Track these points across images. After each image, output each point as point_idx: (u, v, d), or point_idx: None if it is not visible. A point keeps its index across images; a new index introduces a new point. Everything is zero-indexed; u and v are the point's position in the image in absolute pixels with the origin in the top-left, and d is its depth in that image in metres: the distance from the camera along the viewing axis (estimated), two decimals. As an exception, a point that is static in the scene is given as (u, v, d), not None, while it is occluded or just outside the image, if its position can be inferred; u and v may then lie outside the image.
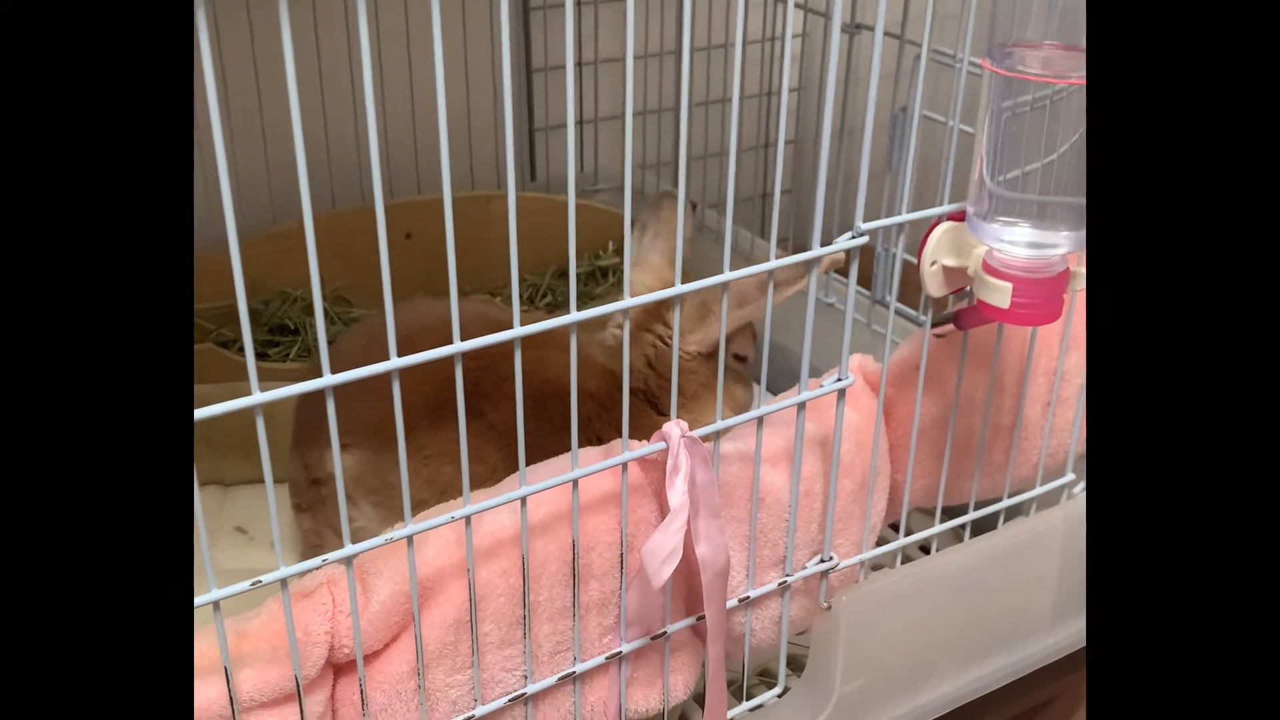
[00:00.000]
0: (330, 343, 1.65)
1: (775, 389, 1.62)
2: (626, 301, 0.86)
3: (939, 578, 1.15)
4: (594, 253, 1.90)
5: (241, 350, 1.66)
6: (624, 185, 0.83)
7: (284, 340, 1.71)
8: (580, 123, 1.94)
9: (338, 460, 0.79)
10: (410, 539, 0.84)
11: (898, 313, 1.52)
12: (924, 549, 1.20)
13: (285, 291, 1.72)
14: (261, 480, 0.77)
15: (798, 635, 1.14)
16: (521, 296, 1.85)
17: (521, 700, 0.95)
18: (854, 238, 0.94)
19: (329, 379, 0.75)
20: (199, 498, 1.48)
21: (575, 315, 0.84)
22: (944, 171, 1.06)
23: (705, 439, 0.93)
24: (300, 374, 1.57)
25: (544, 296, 1.85)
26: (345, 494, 0.80)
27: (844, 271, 1.68)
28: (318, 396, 0.75)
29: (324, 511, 1.24)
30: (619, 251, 1.90)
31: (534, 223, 1.97)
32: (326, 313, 1.74)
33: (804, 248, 0.95)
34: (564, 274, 1.89)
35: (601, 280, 1.88)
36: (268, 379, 1.56)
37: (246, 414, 0.74)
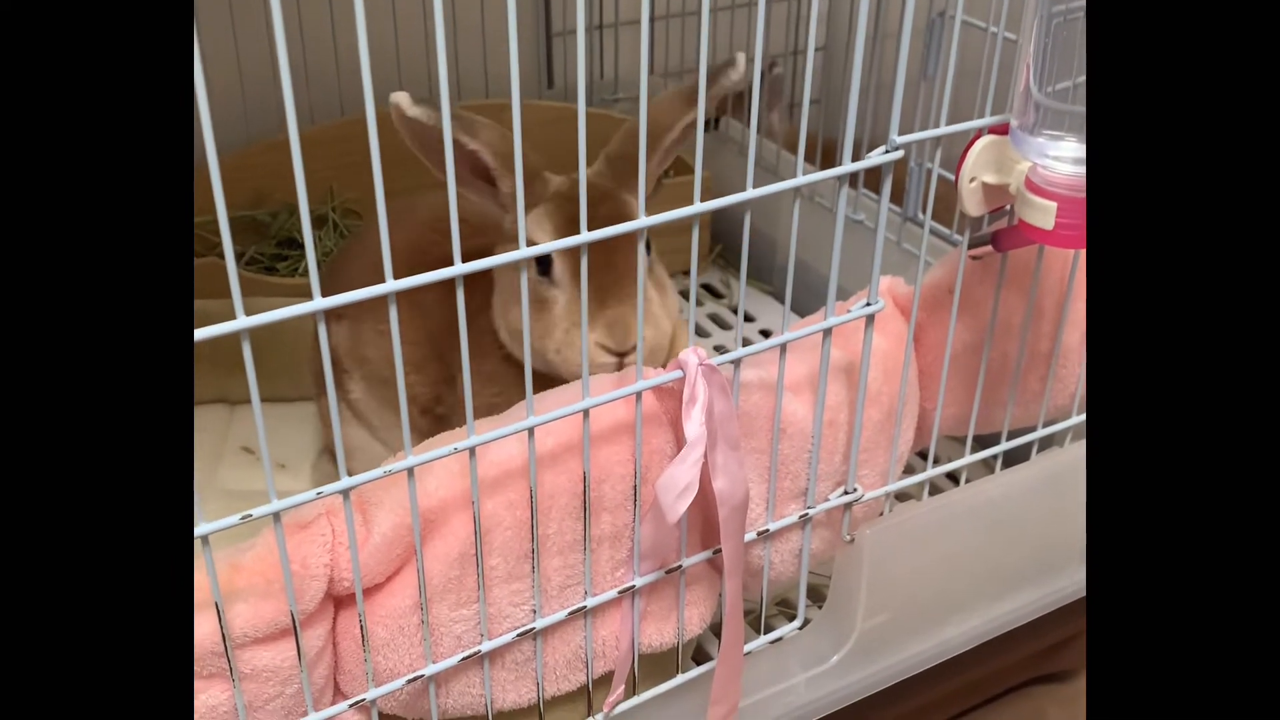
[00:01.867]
0: (330, 256, 1.60)
1: (801, 310, 1.56)
2: (643, 220, 0.80)
3: (968, 510, 1.10)
4: (614, 165, 1.83)
5: (248, 264, 1.62)
6: (640, 95, 0.77)
7: (292, 254, 1.65)
8: (600, 27, 1.85)
9: (332, 397, 0.74)
10: (411, 471, 0.79)
11: (931, 231, 1.46)
12: (953, 479, 1.15)
13: (293, 203, 1.66)
14: (271, 399, 0.73)
15: (818, 566, 1.10)
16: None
17: (529, 635, 0.91)
18: (888, 152, 0.87)
19: (319, 302, 0.70)
20: (203, 416, 1.45)
21: (586, 235, 0.78)
22: (986, 81, 0.99)
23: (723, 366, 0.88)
24: (307, 288, 1.52)
25: (561, 210, 1.78)
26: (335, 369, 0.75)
27: (874, 187, 1.61)
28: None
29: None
30: (639, 164, 1.83)
31: (550, 132, 1.89)
32: (335, 225, 1.69)
33: (834, 161, 0.88)
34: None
35: (621, 194, 1.81)
36: (274, 294, 1.53)
37: (254, 330, 0.69)
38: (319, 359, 0.73)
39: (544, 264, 1.02)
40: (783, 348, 0.92)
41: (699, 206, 0.82)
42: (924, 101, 1.40)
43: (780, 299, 1.71)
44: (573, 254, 0.99)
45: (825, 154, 1.65)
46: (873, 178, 1.54)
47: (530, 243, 0.91)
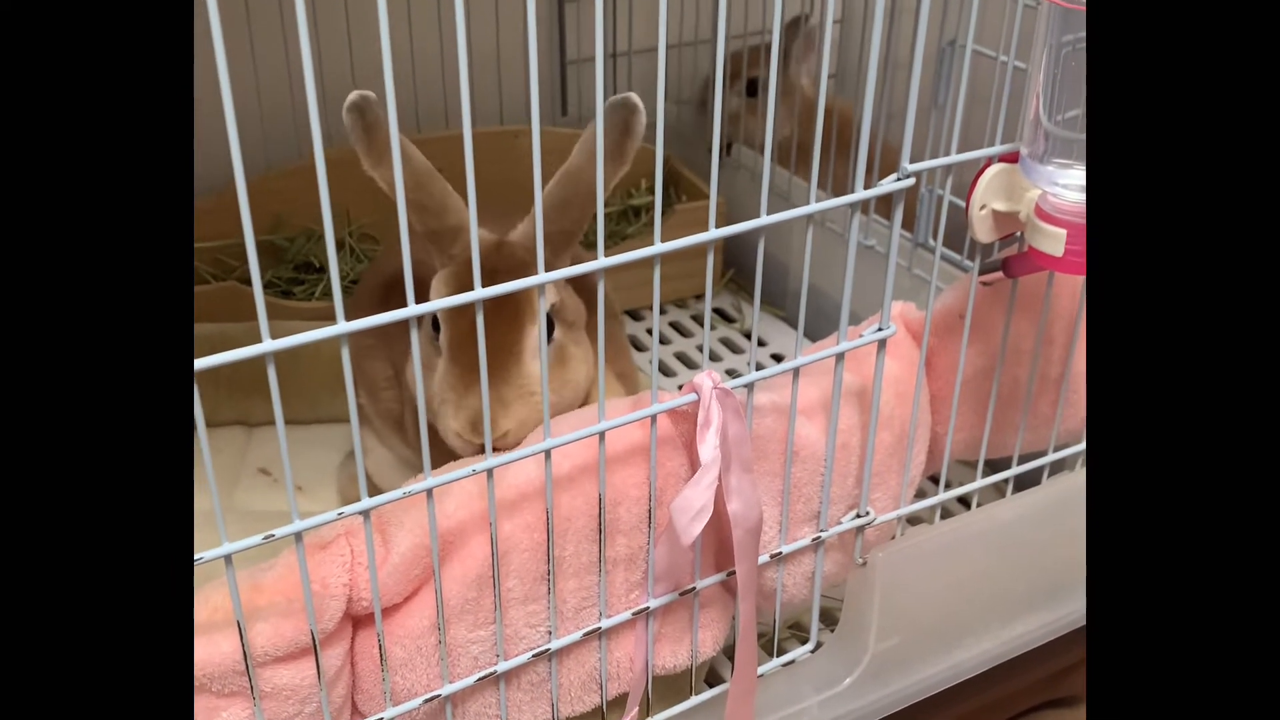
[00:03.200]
0: (354, 283, 1.62)
1: (813, 334, 1.57)
2: (658, 247, 0.82)
3: (980, 534, 1.11)
4: (626, 191, 1.85)
5: (266, 288, 1.64)
6: (657, 122, 0.78)
7: (309, 278, 1.67)
8: (614, 55, 1.87)
9: (353, 409, 0.76)
10: (430, 492, 0.80)
11: (942, 257, 1.47)
12: (964, 503, 1.16)
13: (310, 228, 1.68)
14: (288, 421, 0.74)
15: (831, 589, 1.11)
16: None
17: (545, 656, 0.92)
18: (899, 179, 0.89)
19: (343, 326, 0.71)
20: (222, 438, 1.46)
21: (604, 261, 0.80)
22: (996, 110, 1.00)
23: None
24: (324, 313, 1.54)
25: (574, 235, 1.80)
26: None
27: (886, 213, 1.62)
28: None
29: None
30: (652, 190, 1.85)
31: (564, 159, 1.92)
32: (352, 250, 1.70)
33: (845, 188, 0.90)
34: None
35: (633, 220, 1.83)
36: (293, 318, 1.55)
37: (275, 354, 0.70)
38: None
39: (436, 324, 1.00)
40: (796, 372, 0.93)
41: (714, 233, 0.83)
42: (935, 129, 1.42)
43: (792, 323, 1.72)
44: (459, 322, 0.97)
45: (841, 135, 1.65)
46: (884, 203, 1.55)
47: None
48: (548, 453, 0.84)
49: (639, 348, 1.67)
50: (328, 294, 1.62)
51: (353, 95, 0.96)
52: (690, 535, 0.86)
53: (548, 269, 0.77)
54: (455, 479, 0.81)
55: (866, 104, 0.86)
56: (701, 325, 1.74)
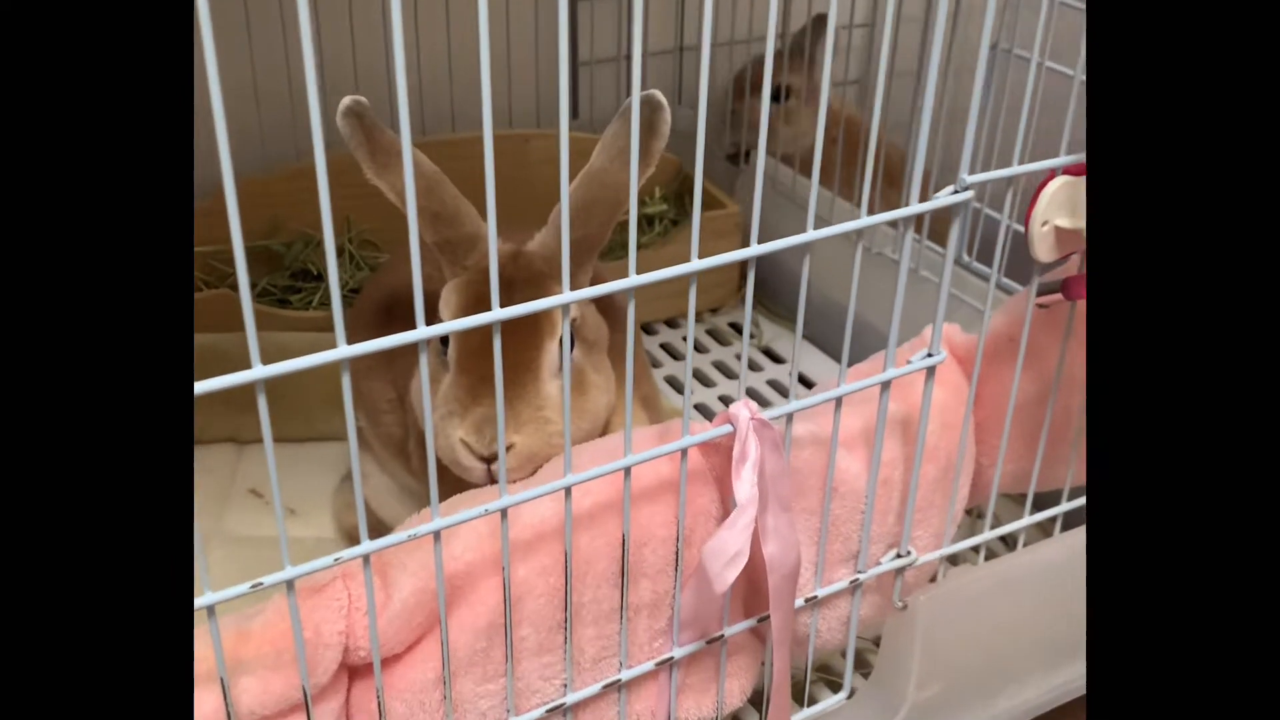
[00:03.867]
0: (354, 292, 1.54)
1: (838, 354, 1.48)
2: (695, 264, 0.74)
3: (1026, 576, 1.03)
4: (639, 199, 1.77)
5: (261, 295, 1.56)
6: (696, 142, 0.70)
7: (306, 286, 1.59)
8: (627, 57, 1.79)
9: (353, 435, 0.68)
10: (437, 534, 0.72)
11: (979, 276, 1.39)
12: (1006, 541, 1.08)
13: (308, 233, 1.59)
14: (281, 439, 0.66)
15: (863, 632, 1.03)
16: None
17: (560, 711, 0.84)
18: (958, 191, 0.81)
19: (343, 351, 0.63)
20: (211, 456, 1.38)
21: (635, 279, 0.72)
22: (1061, 121, 0.92)
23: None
24: (322, 323, 1.46)
25: (586, 245, 1.72)
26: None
27: (919, 227, 1.54)
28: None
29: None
30: (666, 198, 1.77)
31: (576, 165, 1.83)
32: (352, 257, 1.62)
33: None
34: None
35: (646, 230, 1.75)
36: (289, 328, 1.46)
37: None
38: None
39: (445, 337, 0.91)
40: (838, 401, 0.85)
41: (753, 250, 0.75)
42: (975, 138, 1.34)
43: (816, 342, 1.64)
44: (471, 336, 0.88)
45: (848, 143, 1.58)
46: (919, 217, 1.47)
47: (439, 318, 0.87)
48: (568, 490, 0.75)
49: (653, 364, 1.59)
50: (326, 303, 1.55)
51: (346, 100, 0.88)
52: (724, 582, 0.78)
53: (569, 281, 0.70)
54: (464, 520, 0.73)
55: (926, 108, 0.78)
56: (719, 341, 1.66)
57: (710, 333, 1.68)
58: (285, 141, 1.57)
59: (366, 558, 0.70)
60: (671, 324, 1.69)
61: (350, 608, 0.77)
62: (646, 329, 1.67)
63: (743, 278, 1.75)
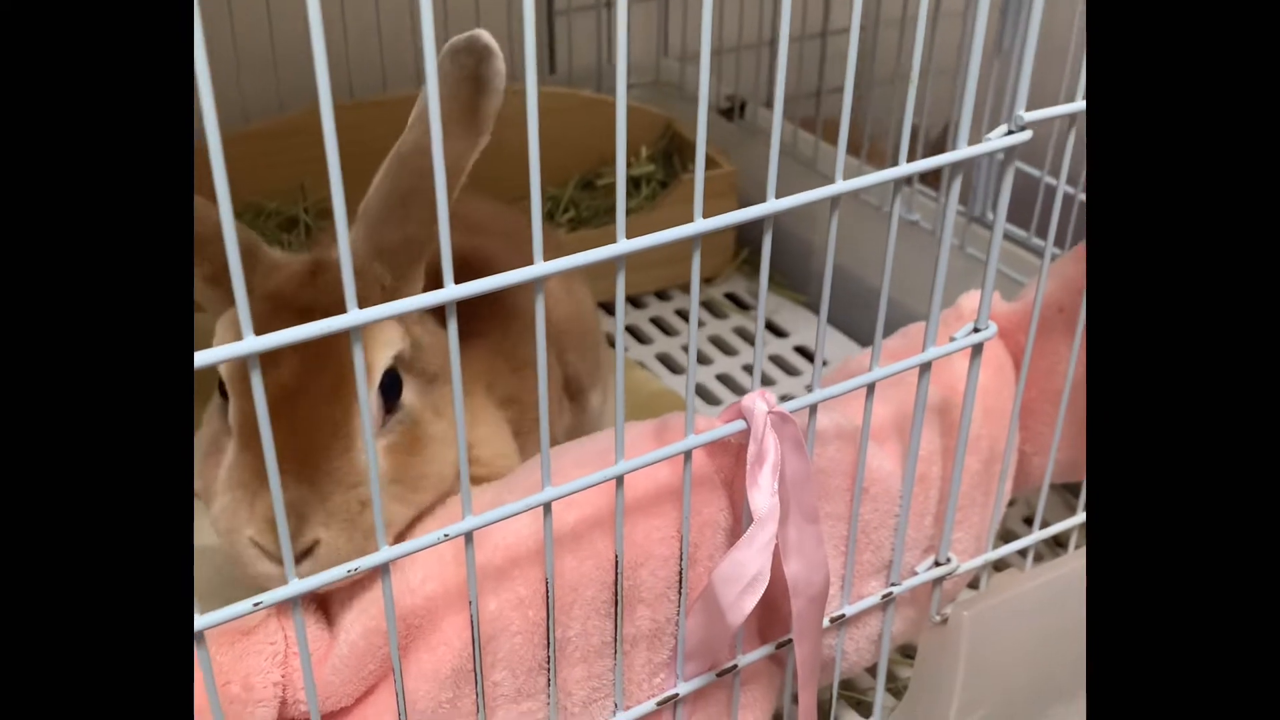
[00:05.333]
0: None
1: (842, 324, 1.34)
2: (699, 225, 0.60)
3: (1081, 583, 0.89)
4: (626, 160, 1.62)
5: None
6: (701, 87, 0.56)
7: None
8: (607, 5, 1.64)
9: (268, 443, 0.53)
10: (386, 567, 0.58)
11: (1012, 239, 1.25)
12: (1058, 542, 0.95)
13: (258, 203, 1.44)
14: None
15: (893, 647, 0.89)
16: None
17: (544, 765, 0.70)
18: (1013, 131, 0.67)
19: (252, 341, 0.49)
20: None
21: (624, 245, 0.57)
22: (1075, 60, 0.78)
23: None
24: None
25: (565, 211, 1.57)
26: None
27: (929, 182, 1.40)
28: None
29: None
30: (653, 158, 1.62)
31: (552, 123, 1.66)
32: (308, 228, 1.47)
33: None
34: (588, 184, 1.61)
35: (634, 193, 1.60)
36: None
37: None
38: None
39: (225, 391, 0.67)
40: (870, 388, 0.71)
41: (769, 205, 0.61)
42: (997, 81, 1.19)
43: (816, 309, 1.50)
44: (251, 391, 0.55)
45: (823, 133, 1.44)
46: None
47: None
48: (547, 505, 0.61)
49: (641, 340, 1.45)
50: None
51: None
52: (740, 612, 0.64)
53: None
54: (421, 548, 0.59)
55: (976, 41, 0.64)
56: (715, 313, 1.52)
57: (705, 304, 1.54)
58: (230, 104, 1.42)
59: (295, 600, 0.56)
60: (662, 296, 1.55)
61: (288, 652, 0.63)
62: (634, 301, 1.52)
63: (740, 244, 1.60)
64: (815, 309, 1.51)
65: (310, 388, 0.63)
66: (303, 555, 0.62)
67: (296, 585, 0.56)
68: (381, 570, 0.58)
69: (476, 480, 0.80)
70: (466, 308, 0.55)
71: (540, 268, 0.55)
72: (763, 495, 0.64)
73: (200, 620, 0.54)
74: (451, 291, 0.53)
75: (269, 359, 0.55)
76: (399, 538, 0.69)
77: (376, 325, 0.61)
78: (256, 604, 0.55)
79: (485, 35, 0.64)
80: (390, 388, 0.68)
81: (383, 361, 0.67)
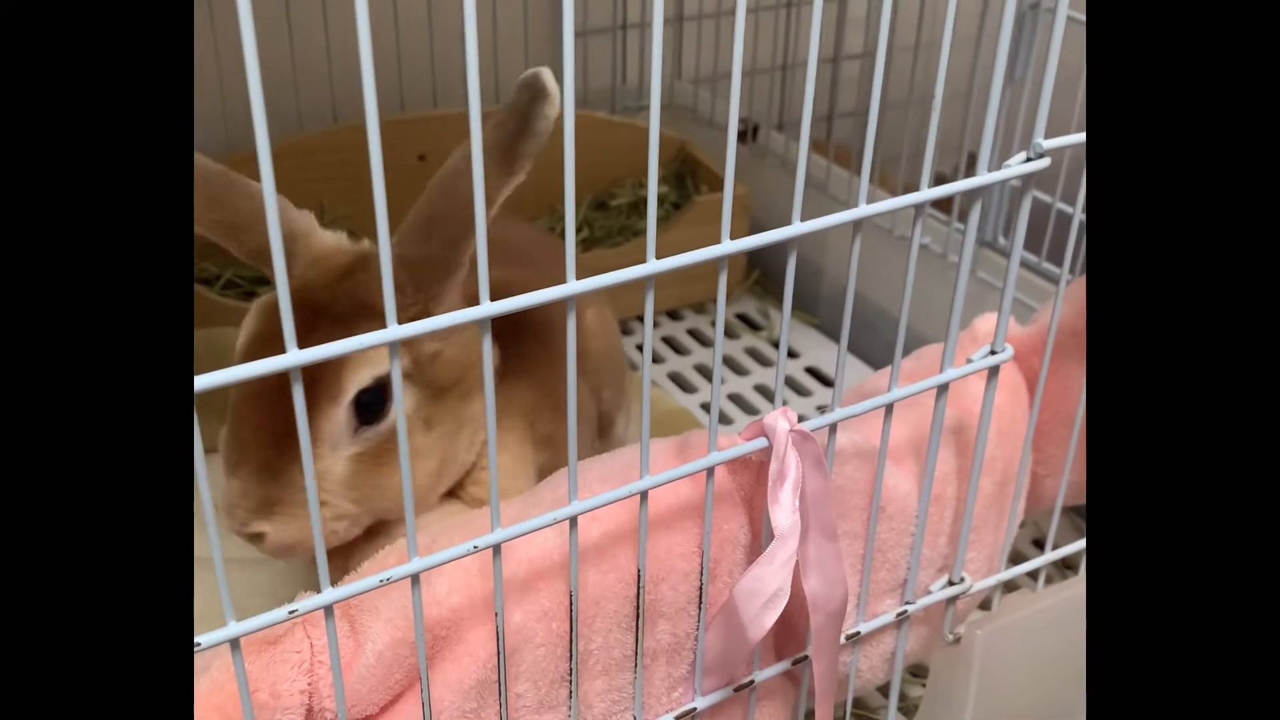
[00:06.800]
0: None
1: (871, 359, 1.35)
2: (727, 246, 0.61)
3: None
4: (638, 180, 1.64)
5: (225, 289, 1.43)
6: (731, 107, 0.57)
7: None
8: (624, 27, 1.66)
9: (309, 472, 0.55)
10: (415, 577, 0.59)
11: (1025, 265, 1.26)
12: (1067, 564, 0.96)
13: (278, 221, 1.46)
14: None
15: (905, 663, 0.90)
16: (553, 231, 1.57)
17: (564, 776, 0.71)
18: (1031, 158, 0.68)
19: (295, 354, 0.50)
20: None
21: (654, 265, 0.59)
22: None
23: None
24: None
25: (579, 231, 1.59)
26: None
27: (943, 207, 1.42)
28: None
29: None
30: (667, 179, 1.64)
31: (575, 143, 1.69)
32: (325, 247, 1.49)
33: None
34: (602, 205, 1.63)
35: (648, 214, 1.62)
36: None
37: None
38: None
39: None
40: (888, 409, 0.72)
41: (795, 229, 0.63)
42: (1009, 108, 1.21)
43: (827, 331, 1.52)
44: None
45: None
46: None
47: None
48: (573, 520, 0.63)
49: (654, 359, 1.46)
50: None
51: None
52: (761, 628, 0.66)
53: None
54: (449, 559, 0.60)
55: (998, 70, 0.65)
56: (727, 334, 1.53)
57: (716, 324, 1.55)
58: (248, 123, 1.43)
59: (329, 608, 0.57)
60: (674, 315, 1.56)
61: (313, 661, 0.64)
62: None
63: (750, 266, 1.62)
64: (825, 331, 1.52)
65: (286, 390, 0.63)
66: (252, 539, 0.71)
67: (330, 594, 0.57)
68: (411, 581, 0.59)
69: (459, 497, 0.82)
70: (514, 344, 0.57)
71: (572, 286, 0.57)
72: (784, 512, 0.66)
73: (236, 628, 0.55)
74: (486, 309, 0.54)
75: (264, 347, 0.60)
76: (356, 543, 0.77)
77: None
78: (292, 611, 0.56)
79: (546, 75, 0.64)
80: (371, 405, 0.72)
81: (359, 381, 0.70)
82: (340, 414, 0.71)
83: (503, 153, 0.67)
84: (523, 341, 0.85)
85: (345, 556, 0.77)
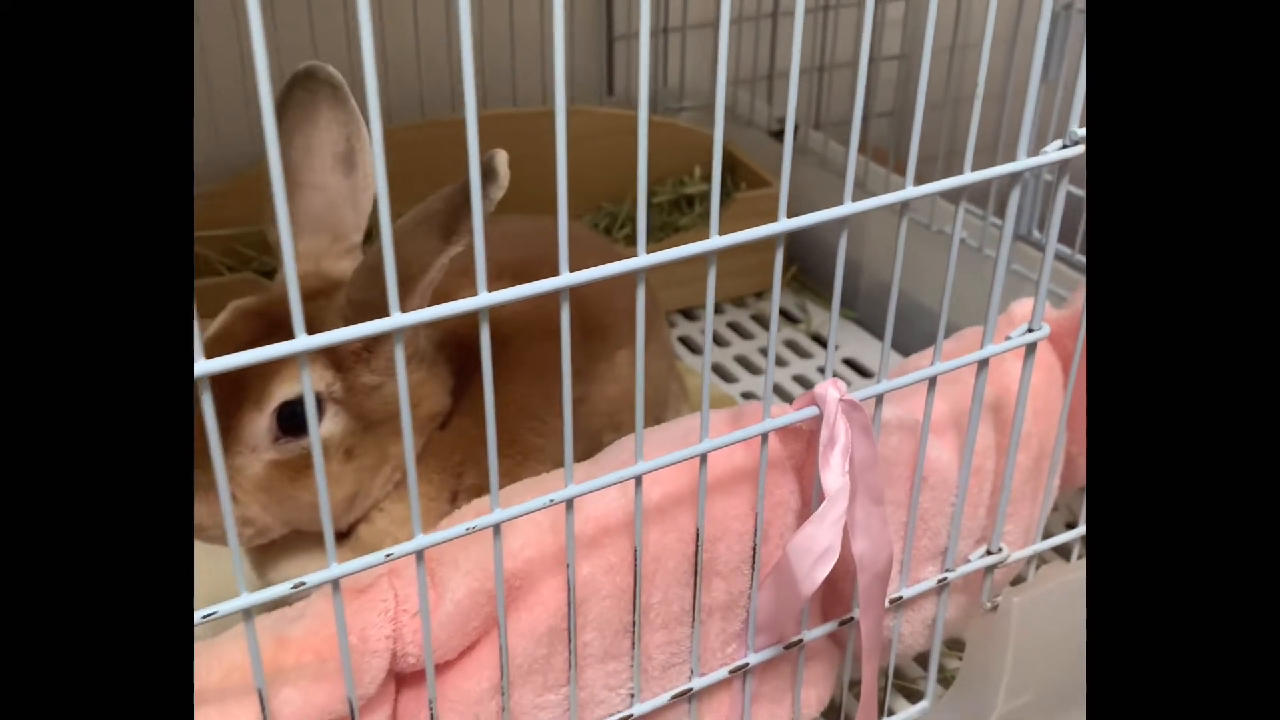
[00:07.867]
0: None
1: (907, 352, 1.39)
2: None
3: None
4: (678, 179, 1.69)
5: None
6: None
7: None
8: (665, 30, 1.71)
9: (408, 442, 0.60)
10: (497, 528, 0.64)
11: (1058, 257, 1.30)
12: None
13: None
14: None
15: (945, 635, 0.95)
16: (598, 227, 1.62)
17: (626, 723, 0.76)
18: (1067, 145, 0.73)
19: (398, 318, 0.56)
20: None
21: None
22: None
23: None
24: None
25: (622, 227, 1.64)
26: None
27: (977, 200, 1.46)
28: None
29: None
30: (706, 178, 1.69)
31: (611, 143, 1.73)
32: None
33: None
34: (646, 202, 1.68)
35: (687, 210, 1.67)
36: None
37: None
38: None
39: None
40: (931, 381, 0.77)
41: (846, 208, 0.67)
42: (1042, 106, 1.25)
43: (865, 325, 1.56)
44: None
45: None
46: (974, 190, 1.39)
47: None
48: (638, 479, 0.68)
49: (694, 350, 1.51)
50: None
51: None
52: (813, 583, 0.70)
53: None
54: (527, 511, 0.65)
55: (1037, 53, 0.70)
56: (763, 325, 1.58)
57: (755, 318, 1.60)
58: (256, 134, 1.49)
59: (420, 553, 0.63)
60: (717, 309, 1.61)
61: (397, 610, 0.69)
62: (686, 314, 1.58)
63: (789, 261, 1.66)
64: (862, 324, 1.57)
65: (219, 390, 0.60)
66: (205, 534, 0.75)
67: (420, 540, 0.62)
68: (493, 530, 0.64)
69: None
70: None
71: (642, 259, 0.61)
72: (834, 475, 0.70)
73: (337, 569, 0.60)
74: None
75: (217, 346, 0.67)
76: (271, 543, 0.80)
77: (281, 361, 0.61)
78: (388, 554, 0.61)
79: (500, 159, 0.63)
80: (294, 417, 0.74)
81: (285, 393, 0.73)
82: (262, 420, 0.74)
83: (443, 226, 0.68)
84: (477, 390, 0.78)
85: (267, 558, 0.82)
